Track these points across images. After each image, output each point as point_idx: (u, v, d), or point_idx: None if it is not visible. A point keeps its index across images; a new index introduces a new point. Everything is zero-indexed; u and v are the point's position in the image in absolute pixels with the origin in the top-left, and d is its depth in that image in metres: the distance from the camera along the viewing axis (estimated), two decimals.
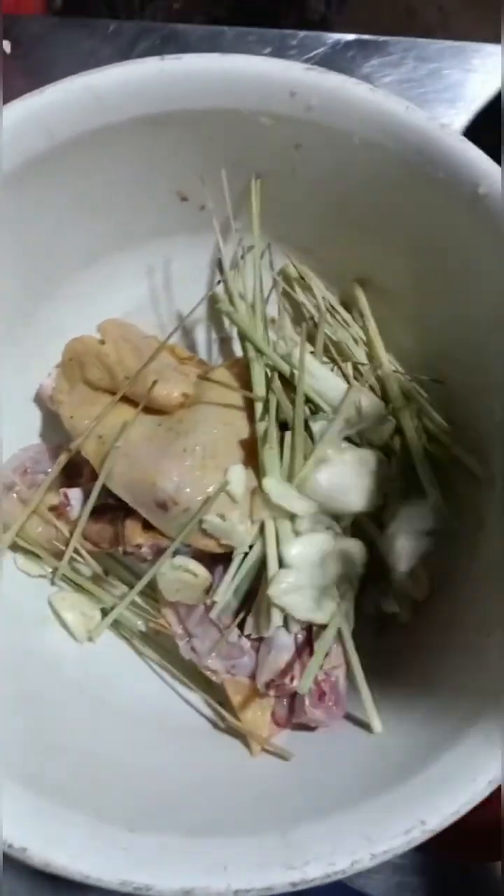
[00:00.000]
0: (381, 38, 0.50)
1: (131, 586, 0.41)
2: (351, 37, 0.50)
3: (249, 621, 0.38)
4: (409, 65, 0.51)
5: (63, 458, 0.40)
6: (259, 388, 0.38)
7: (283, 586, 0.35)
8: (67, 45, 0.49)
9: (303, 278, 0.45)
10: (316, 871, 0.30)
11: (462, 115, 0.51)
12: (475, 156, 0.36)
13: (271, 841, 0.31)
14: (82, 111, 0.35)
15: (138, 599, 0.42)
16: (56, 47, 0.49)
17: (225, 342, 0.47)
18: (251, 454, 0.39)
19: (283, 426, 0.39)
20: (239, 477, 0.37)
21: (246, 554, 0.38)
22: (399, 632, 0.42)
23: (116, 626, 0.43)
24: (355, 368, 0.43)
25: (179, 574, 0.38)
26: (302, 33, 0.50)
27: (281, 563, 0.36)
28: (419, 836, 0.30)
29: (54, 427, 0.45)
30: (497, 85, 0.51)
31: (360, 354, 0.44)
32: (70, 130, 0.36)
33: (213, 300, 0.46)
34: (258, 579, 0.39)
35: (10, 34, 0.49)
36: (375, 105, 0.35)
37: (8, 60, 0.49)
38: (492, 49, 0.51)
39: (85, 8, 0.72)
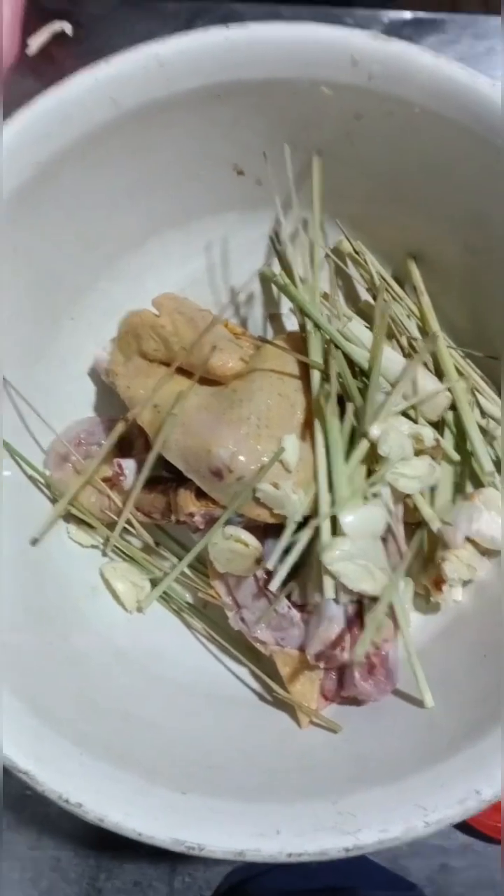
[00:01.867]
0: (438, 16, 0.50)
1: (181, 559, 0.41)
2: (408, 15, 0.50)
3: (297, 590, 0.38)
4: (466, 42, 0.50)
5: (120, 427, 0.40)
6: (317, 357, 0.38)
7: (337, 553, 0.35)
8: (127, 27, 0.50)
9: (357, 253, 0.45)
10: (369, 838, 0.30)
11: None
12: None
13: (323, 808, 0.31)
14: (147, 80, 0.36)
15: (188, 571, 0.42)
16: (116, 29, 0.50)
17: (276, 319, 0.47)
18: (306, 426, 0.39)
19: (339, 400, 0.39)
20: (293, 446, 0.37)
21: (299, 524, 0.38)
22: (450, 610, 0.42)
23: (166, 598, 0.43)
24: (409, 343, 0.43)
25: (231, 544, 0.38)
26: (358, 11, 0.50)
27: (335, 533, 0.36)
28: (475, 805, 0.30)
29: (108, 400, 0.46)
30: None
31: (414, 329, 0.43)
32: (134, 100, 0.36)
33: (265, 277, 0.46)
34: (309, 552, 0.38)
35: (72, 17, 0.50)
36: (439, 71, 0.35)
37: (70, 42, 0.50)
38: None
39: None
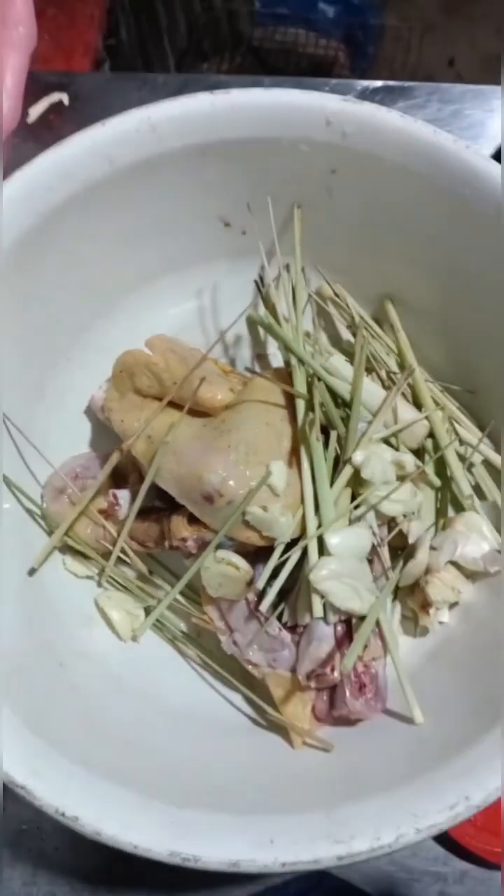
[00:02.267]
0: (407, 84, 0.55)
1: (174, 587, 0.43)
2: (378, 83, 0.55)
3: (287, 612, 0.39)
4: (433, 106, 0.55)
5: (114, 457, 0.42)
6: (302, 389, 0.41)
7: (323, 573, 0.36)
8: (121, 98, 0.54)
9: (337, 296, 0.48)
10: (362, 846, 0.30)
11: (485, 151, 0.54)
12: (499, 173, 0.38)
13: (317, 818, 0.32)
14: (139, 140, 0.39)
15: (181, 599, 0.43)
16: (110, 99, 0.54)
17: (262, 358, 0.50)
18: (292, 453, 0.41)
19: (323, 430, 0.41)
20: (280, 471, 0.39)
21: (287, 546, 0.39)
22: (438, 633, 0.43)
23: (160, 626, 0.44)
24: (388, 377, 0.45)
25: (222, 567, 0.40)
26: (334, 81, 0.55)
27: (322, 553, 0.38)
28: (464, 811, 0.31)
29: (104, 437, 0.48)
30: None
31: (392, 364, 0.46)
32: (128, 158, 0.39)
33: (252, 320, 0.49)
34: (298, 574, 0.40)
35: (69, 89, 0.54)
36: (405, 129, 0.39)
37: (67, 112, 0.54)
38: None
39: (127, 65, 0.79)
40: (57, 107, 0.54)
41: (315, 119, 0.40)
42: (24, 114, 0.53)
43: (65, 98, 0.54)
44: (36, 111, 0.54)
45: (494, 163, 0.39)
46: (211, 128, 0.40)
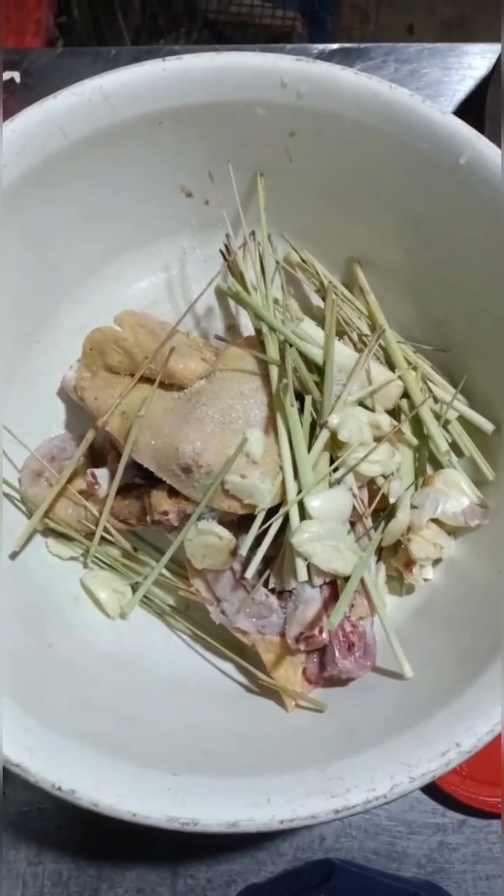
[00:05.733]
0: (363, 45, 0.54)
1: (159, 562, 0.43)
2: (335, 45, 0.54)
3: (273, 578, 0.40)
4: (390, 67, 0.54)
5: (90, 435, 0.42)
6: (274, 354, 0.40)
7: (305, 535, 0.36)
8: (73, 73, 0.54)
9: (304, 262, 0.48)
10: (357, 798, 0.31)
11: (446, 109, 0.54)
12: (457, 126, 0.38)
13: (312, 775, 0.32)
14: (92, 111, 0.38)
15: (167, 573, 0.43)
16: (63, 75, 0.53)
17: (234, 329, 0.50)
18: (269, 420, 0.41)
19: (297, 396, 0.41)
20: (257, 438, 0.39)
21: (268, 512, 0.39)
22: (423, 590, 0.44)
23: (148, 602, 0.44)
24: (360, 339, 0.45)
25: (205, 538, 0.40)
26: (289, 45, 0.54)
27: (303, 517, 0.38)
28: (456, 757, 0.31)
29: (78, 418, 0.48)
30: (474, 80, 0.55)
31: (364, 327, 0.46)
32: (82, 130, 0.39)
33: (221, 291, 0.49)
34: (281, 540, 0.40)
35: (21, 66, 0.53)
36: (361, 86, 0.38)
37: (19, 90, 0.53)
38: (466, 48, 0.55)
39: (81, 44, 0.77)
40: (9, 85, 0.53)
41: (269, 80, 0.39)
42: None
43: (16, 76, 0.53)
44: None
45: (452, 116, 0.38)
46: (164, 94, 0.39)
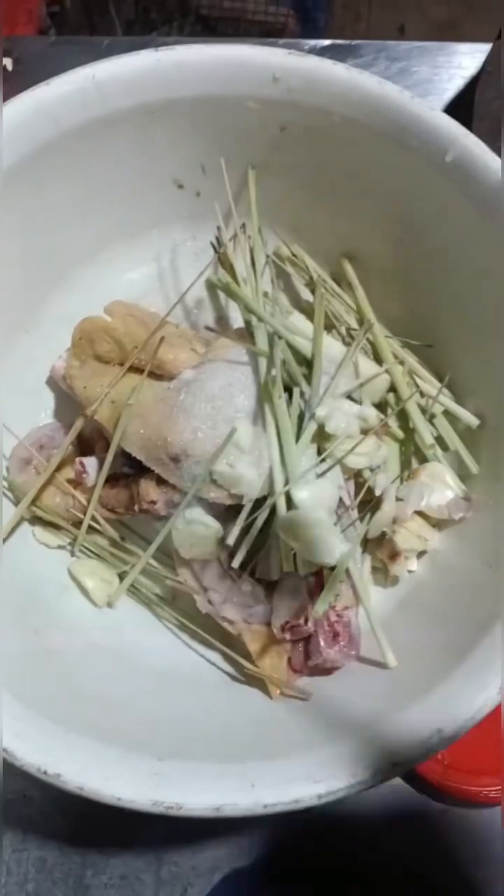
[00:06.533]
0: (354, 42, 0.55)
1: (147, 551, 0.43)
2: (326, 42, 0.55)
3: (260, 567, 0.40)
4: (381, 64, 0.55)
5: (78, 424, 0.42)
6: (263, 346, 0.41)
7: None
8: (65, 62, 0.53)
9: (295, 256, 0.48)
10: (340, 783, 0.31)
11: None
12: (445, 122, 0.39)
13: (296, 761, 0.33)
14: (85, 100, 0.39)
15: (154, 563, 0.44)
16: (55, 64, 0.53)
17: (224, 321, 0.50)
18: (256, 412, 0.41)
19: (286, 389, 0.42)
20: (245, 429, 0.39)
21: (256, 504, 0.40)
22: (407, 582, 0.44)
23: (135, 592, 0.44)
24: (348, 333, 0.46)
25: (193, 527, 0.40)
26: (282, 40, 0.54)
27: (290, 508, 0.38)
28: (437, 743, 0.32)
29: (67, 408, 0.48)
30: (463, 79, 0.56)
31: (352, 321, 0.46)
32: (74, 119, 0.39)
33: (212, 284, 0.49)
34: (268, 530, 0.40)
35: (12, 53, 0.53)
36: (351, 82, 0.39)
37: (10, 77, 0.53)
38: (456, 47, 0.56)
39: (73, 33, 0.77)
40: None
41: (261, 74, 0.39)
42: None
43: (8, 63, 0.53)
44: None
45: (440, 113, 0.39)
46: (157, 85, 0.39)
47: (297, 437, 0.40)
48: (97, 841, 0.43)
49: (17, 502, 0.44)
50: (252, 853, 0.44)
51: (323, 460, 0.40)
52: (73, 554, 0.45)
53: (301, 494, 0.38)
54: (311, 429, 0.40)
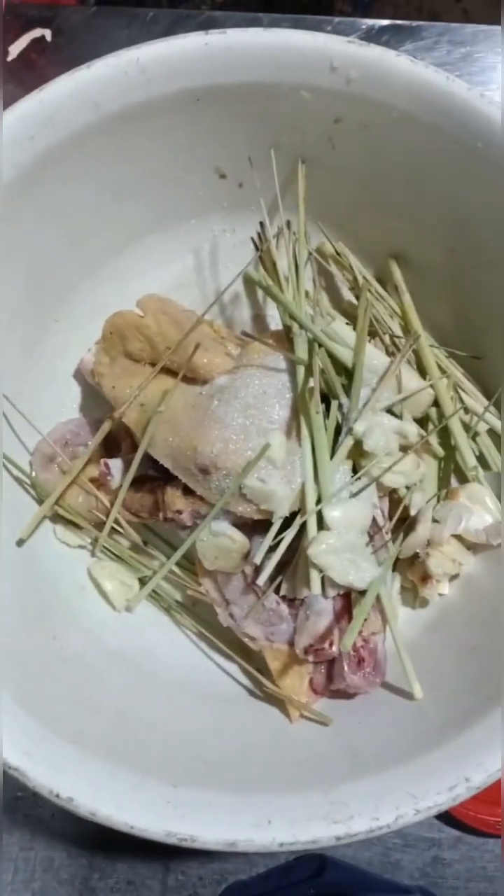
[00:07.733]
0: (415, 23, 0.51)
1: (169, 557, 0.42)
2: (385, 22, 0.51)
3: (285, 585, 0.38)
4: (442, 49, 0.51)
5: (106, 426, 0.41)
6: (302, 354, 0.39)
7: (322, 547, 0.35)
8: (107, 34, 0.51)
9: (339, 255, 0.46)
10: (360, 826, 0.30)
11: (496, 96, 0.51)
12: None
13: (315, 797, 0.31)
14: (128, 84, 0.36)
15: (176, 569, 0.42)
16: (96, 36, 0.50)
17: (261, 319, 0.48)
18: (291, 422, 0.39)
19: (323, 399, 0.40)
20: (279, 442, 0.37)
21: (285, 520, 0.38)
22: (437, 605, 0.43)
23: (155, 597, 0.43)
24: (392, 342, 0.43)
25: (218, 541, 0.39)
26: (337, 19, 0.51)
27: (321, 527, 0.37)
28: (464, 792, 0.30)
29: (94, 402, 0.46)
30: None
31: (396, 328, 0.44)
32: (116, 103, 0.37)
33: (250, 279, 0.47)
34: (296, 547, 0.39)
35: (52, 23, 0.50)
36: (416, 76, 0.36)
37: (49, 49, 0.50)
38: None
39: (116, 3, 0.73)
40: (38, 44, 0.50)
41: (318, 63, 0.37)
42: (4, 52, 0.50)
43: (47, 34, 0.50)
44: (16, 49, 0.50)
45: None
46: (205, 71, 0.37)
47: (333, 453, 0.38)
48: (105, 844, 0.42)
49: (39, 499, 0.43)
50: (259, 865, 0.43)
51: (358, 478, 0.38)
52: (93, 554, 0.44)
53: (333, 514, 0.37)
54: (347, 444, 0.38)
